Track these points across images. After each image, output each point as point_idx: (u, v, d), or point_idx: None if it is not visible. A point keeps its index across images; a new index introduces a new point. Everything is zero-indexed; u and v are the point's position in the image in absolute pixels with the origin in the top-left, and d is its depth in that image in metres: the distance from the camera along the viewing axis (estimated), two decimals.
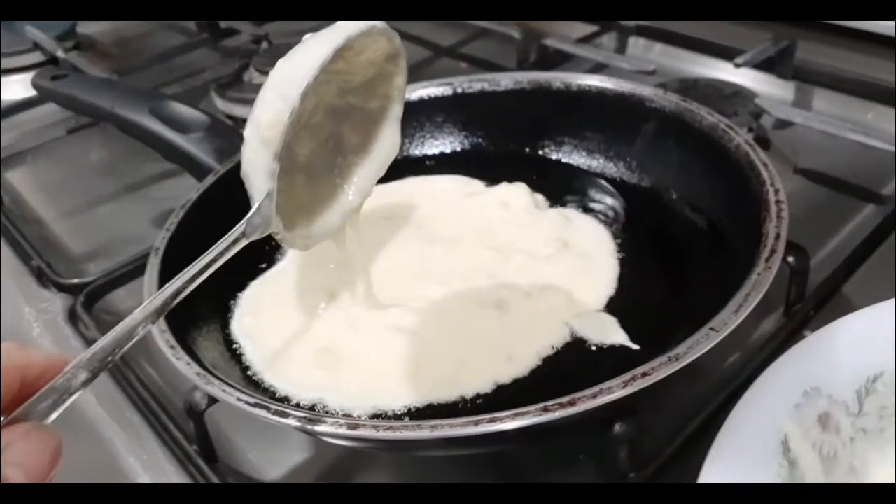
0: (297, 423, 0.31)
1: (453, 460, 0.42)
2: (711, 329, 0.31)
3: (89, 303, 0.53)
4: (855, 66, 0.71)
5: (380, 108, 0.40)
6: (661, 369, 0.30)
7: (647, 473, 0.37)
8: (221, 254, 0.34)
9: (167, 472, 0.42)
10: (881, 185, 0.60)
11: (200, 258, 0.33)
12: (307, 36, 0.36)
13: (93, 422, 0.46)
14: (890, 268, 0.50)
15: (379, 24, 0.36)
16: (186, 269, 0.33)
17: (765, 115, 0.65)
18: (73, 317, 0.53)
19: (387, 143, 0.41)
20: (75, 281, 0.55)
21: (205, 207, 0.49)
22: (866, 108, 0.69)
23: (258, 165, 0.34)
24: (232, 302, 0.47)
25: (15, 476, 0.24)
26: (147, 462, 0.42)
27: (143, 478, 0.41)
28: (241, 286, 0.48)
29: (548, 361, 0.40)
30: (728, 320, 0.31)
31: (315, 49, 0.34)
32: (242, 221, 0.35)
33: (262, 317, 0.44)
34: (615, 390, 0.29)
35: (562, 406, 0.29)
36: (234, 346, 0.43)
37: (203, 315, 0.44)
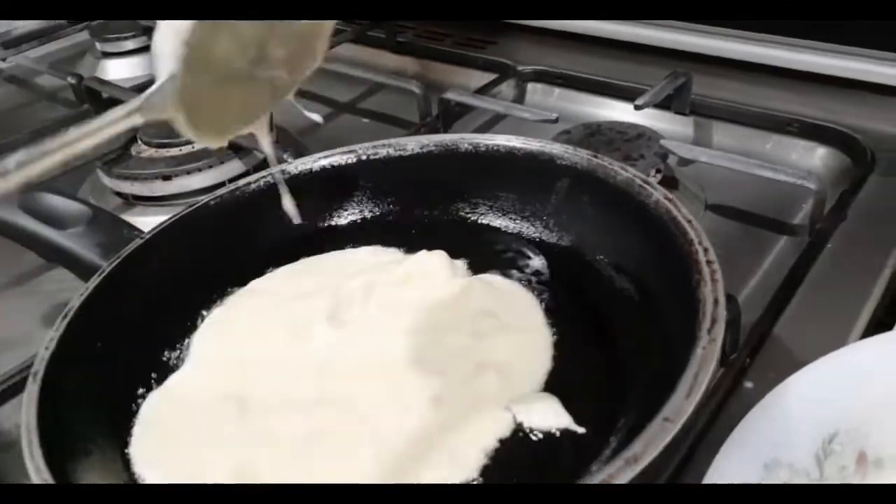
0: None
1: None
2: (666, 419, 0.29)
3: None
4: (750, 98, 0.73)
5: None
6: (620, 475, 0.27)
7: None
8: (111, 123, 0.30)
9: None
10: (791, 215, 0.61)
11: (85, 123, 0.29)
12: None
13: None
14: (813, 305, 0.50)
15: None
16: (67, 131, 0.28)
17: (673, 157, 0.65)
18: None
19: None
20: None
21: (91, 315, 0.44)
22: (765, 139, 0.71)
23: (165, 50, 0.32)
24: (129, 419, 0.41)
25: None
26: None
27: None
28: (138, 398, 0.43)
29: (493, 458, 0.36)
30: (681, 407, 0.29)
31: None
32: (141, 96, 0.32)
33: (164, 437, 0.39)
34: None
35: None
36: (134, 474, 0.38)
37: (97, 441, 0.39)
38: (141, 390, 0.43)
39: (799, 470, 0.33)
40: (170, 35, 0.32)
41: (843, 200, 0.57)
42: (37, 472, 0.33)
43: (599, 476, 0.27)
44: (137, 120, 0.32)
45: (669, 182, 0.64)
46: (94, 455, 0.37)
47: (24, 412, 0.37)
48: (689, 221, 0.39)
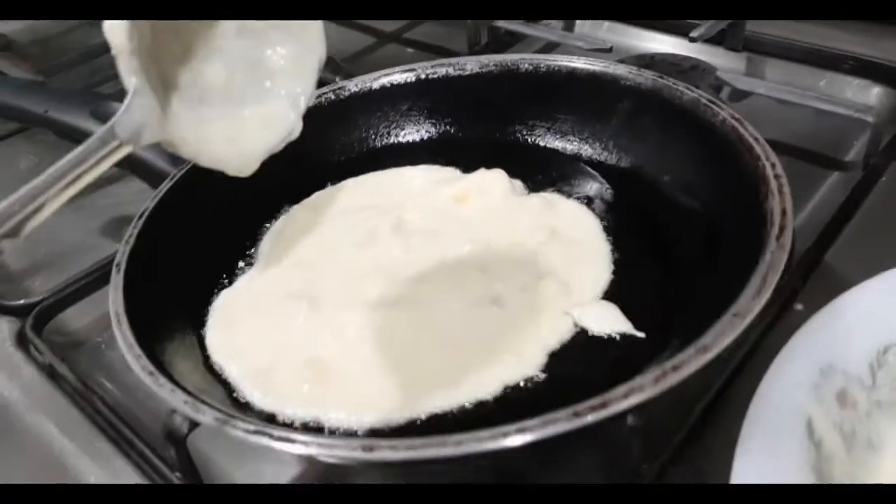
0: (304, 451, 0.29)
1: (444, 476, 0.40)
2: (735, 315, 0.30)
3: (39, 325, 0.49)
4: (804, 35, 0.72)
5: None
6: (691, 362, 0.28)
7: (659, 464, 0.36)
8: (93, 166, 0.30)
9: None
10: (843, 151, 0.61)
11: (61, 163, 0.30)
12: None
13: (58, 456, 0.42)
14: (865, 235, 0.50)
15: None
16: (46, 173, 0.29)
17: (727, 88, 0.65)
18: (22, 341, 0.49)
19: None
20: (21, 302, 0.50)
21: (164, 215, 0.45)
22: (818, 76, 0.70)
23: (120, 65, 0.33)
24: (204, 315, 0.43)
25: None
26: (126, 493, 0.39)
27: None
28: (210, 297, 0.45)
29: (554, 356, 0.38)
30: (750, 305, 0.30)
31: None
32: (109, 123, 0.32)
33: (239, 331, 0.41)
34: (647, 388, 0.28)
35: (593, 409, 0.27)
36: (213, 364, 0.40)
37: (175, 332, 0.41)
38: (213, 290, 0.45)
39: (853, 377, 0.34)
40: (114, 43, 0.32)
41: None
42: (129, 348, 0.34)
43: (670, 363, 0.28)
44: (123, 153, 0.31)
45: None
46: (176, 341, 0.39)
47: (111, 299, 0.39)
48: (756, 139, 0.40)
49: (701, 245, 0.41)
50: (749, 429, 0.31)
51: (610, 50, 0.69)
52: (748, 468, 0.30)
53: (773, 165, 0.37)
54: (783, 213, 0.34)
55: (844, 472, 0.32)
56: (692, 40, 0.69)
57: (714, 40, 0.72)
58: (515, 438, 0.27)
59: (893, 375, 0.35)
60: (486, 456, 0.28)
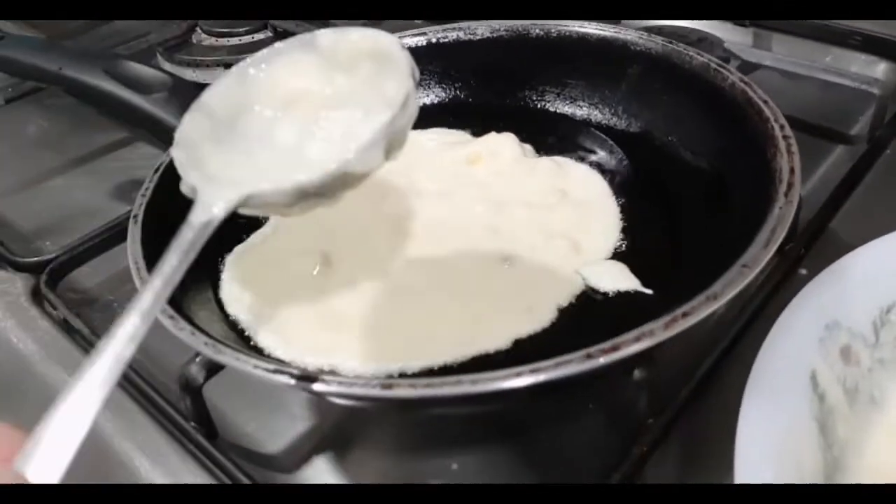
0: (324, 388, 0.30)
1: (453, 418, 0.41)
2: (744, 266, 0.31)
3: (53, 281, 0.50)
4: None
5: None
6: (701, 309, 0.29)
7: (666, 418, 0.37)
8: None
9: (165, 452, 0.39)
10: (848, 125, 0.62)
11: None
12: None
13: None
14: (869, 205, 0.51)
15: None
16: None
17: (736, 60, 0.65)
18: (37, 296, 0.49)
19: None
20: (36, 259, 0.51)
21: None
22: (825, 51, 0.70)
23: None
24: (220, 269, 0.44)
25: None
26: (143, 444, 0.40)
27: (142, 460, 0.39)
28: (225, 252, 0.45)
29: (564, 313, 0.39)
30: (759, 255, 0.31)
31: None
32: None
33: (254, 284, 0.42)
34: (657, 333, 0.29)
35: (605, 352, 0.28)
36: (229, 315, 0.41)
37: (191, 284, 0.41)
38: (229, 244, 0.46)
39: (857, 334, 0.35)
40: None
41: None
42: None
43: (681, 309, 0.29)
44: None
45: None
46: (192, 291, 0.40)
47: (129, 250, 0.39)
48: (766, 101, 0.40)
49: (709, 206, 0.42)
50: (756, 378, 0.32)
51: (617, 21, 0.70)
52: (753, 417, 0.30)
53: (781, 126, 0.38)
54: (791, 171, 0.35)
55: (847, 426, 0.33)
56: None
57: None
58: (529, 378, 0.28)
59: (895, 334, 0.36)
60: (499, 397, 0.29)
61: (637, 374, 0.35)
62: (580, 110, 0.53)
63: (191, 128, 0.34)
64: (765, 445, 0.29)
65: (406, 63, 0.32)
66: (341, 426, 0.41)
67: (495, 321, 0.37)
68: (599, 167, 0.48)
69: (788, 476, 0.28)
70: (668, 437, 0.37)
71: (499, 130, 0.51)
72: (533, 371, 0.28)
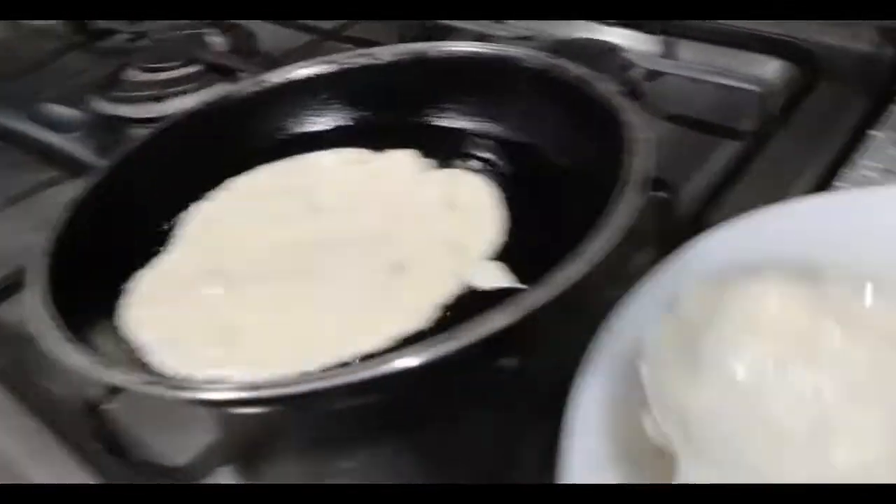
0: (194, 395, 0.32)
1: (347, 423, 0.43)
2: (579, 256, 0.34)
3: None
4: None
5: None
6: (536, 294, 0.32)
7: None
8: None
9: (73, 474, 0.41)
10: (740, 122, 0.65)
11: None
12: None
13: None
14: (749, 198, 0.54)
15: None
16: None
17: (638, 69, 0.69)
18: None
19: None
20: None
21: (88, 208, 0.48)
22: (724, 55, 0.74)
23: None
24: (121, 295, 0.46)
25: None
26: (47, 464, 0.42)
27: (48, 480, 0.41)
28: (127, 279, 0.48)
29: (445, 311, 0.41)
30: (592, 248, 0.34)
31: None
32: None
33: (153, 308, 0.44)
34: (497, 319, 0.32)
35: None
36: (127, 338, 0.43)
37: (91, 308, 0.44)
38: (131, 272, 0.48)
39: None
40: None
41: (786, 106, 0.61)
42: (41, 319, 0.37)
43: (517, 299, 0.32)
44: None
45: (635, 95, 0.67)
46: (92, 318, 0.42)
47: (27, 279, 0.41)
48: (628, 110, 0.43)
49: (585, 206, 0.45)
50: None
51: (530, 38, 0.73)
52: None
53: (635, 128, 0.41)
54: (646, 170, 0.38)
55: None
56: (608, 24, 0.73)
57: (634, 25, 0.76)
58: (383, 368, 0.30)
59: None
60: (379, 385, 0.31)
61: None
62: (475, 124, 0.56)
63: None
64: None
65: None
66: (249, 440, 0.43)
67: (373, 324, 0.40)
68: (491, 175, 0.51)
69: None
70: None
71: (403, 147, 0.54)
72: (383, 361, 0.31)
